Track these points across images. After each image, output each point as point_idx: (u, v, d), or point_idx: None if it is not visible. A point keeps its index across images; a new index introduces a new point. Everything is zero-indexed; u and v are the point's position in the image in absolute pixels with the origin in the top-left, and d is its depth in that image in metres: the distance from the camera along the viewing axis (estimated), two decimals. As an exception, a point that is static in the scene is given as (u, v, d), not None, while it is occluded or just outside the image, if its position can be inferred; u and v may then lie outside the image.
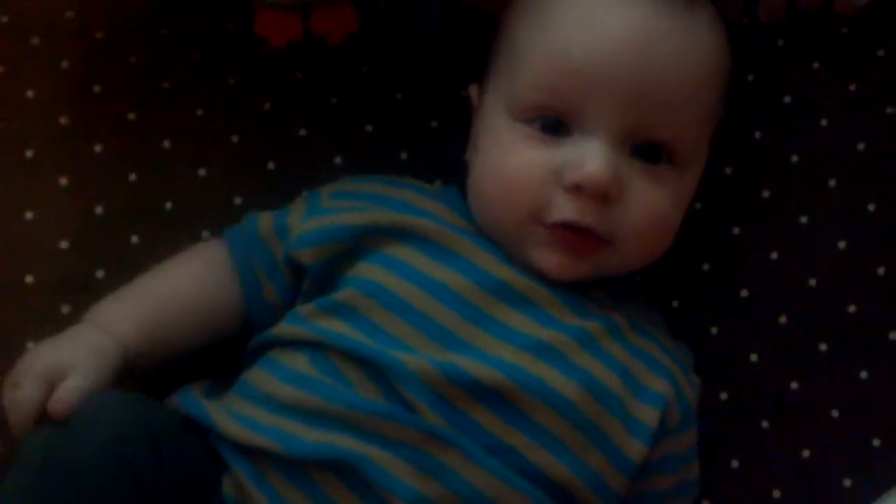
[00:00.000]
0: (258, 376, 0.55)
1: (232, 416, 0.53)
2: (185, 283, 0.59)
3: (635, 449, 0.53)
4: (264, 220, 0.60)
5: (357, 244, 0.56)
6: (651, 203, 0.54)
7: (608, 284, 0.57)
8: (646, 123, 0.54)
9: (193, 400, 0.55)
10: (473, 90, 0.61)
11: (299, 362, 0.53)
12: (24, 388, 0.52)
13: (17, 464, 0.50)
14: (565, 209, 0.53)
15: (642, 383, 0.54)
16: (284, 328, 0.55)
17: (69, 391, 0.51)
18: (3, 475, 0.51)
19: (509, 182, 0.55)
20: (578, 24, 0.54)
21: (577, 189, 0.53)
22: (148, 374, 0.58)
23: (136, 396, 0.54)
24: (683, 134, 0.55)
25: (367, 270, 0.55)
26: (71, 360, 0.53)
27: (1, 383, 0.61)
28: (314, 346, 0.53)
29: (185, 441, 0.53)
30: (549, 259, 0.54)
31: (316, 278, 0.56)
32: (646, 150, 0.54)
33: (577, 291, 0.55)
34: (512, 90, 0.56)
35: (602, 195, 0.53)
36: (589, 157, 0.53)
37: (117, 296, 0.59)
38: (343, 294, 0.54)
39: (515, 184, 0.55)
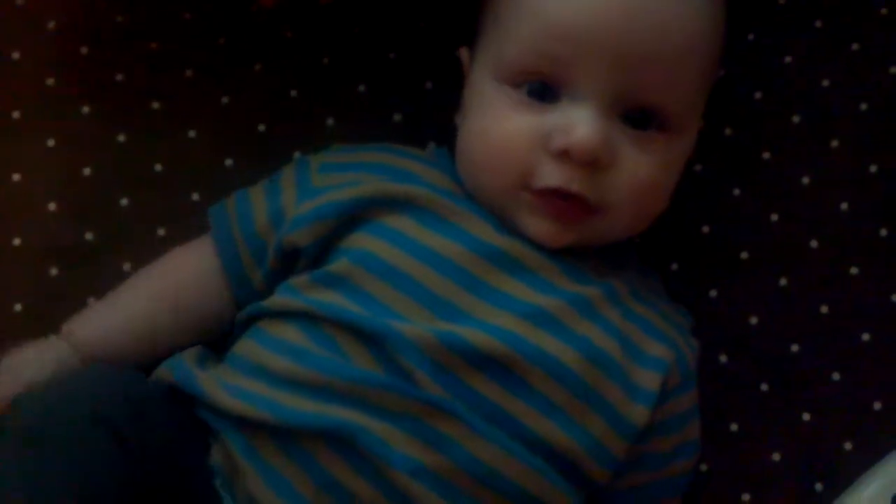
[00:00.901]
0: (249, 348, 0.54)
1: (223, 386, 0.52)
2: (163, 291, 0.58)
3: (637, 413, 0.52)
4: (258, 210, 0.58)
5: (351, 217, 0.55)
6: (641, 170, 0.53)
7: (605, 250, 0.56)
8: (636, 87, 0.53)
9: (185, 369, 0.54)
10: (464, 53, 0.60)
11: (292, 334, 0.52)
12: None
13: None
14: (552, 176, 0.52)
15: (641, 349, 0.54)
16: (276, 300, 0.54)
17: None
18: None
19: (495, 147, 0.54)
20: None
21: (564, 155, 0.52)
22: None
23: (121, 369, 0.54)
24: (674, 98, 0.54)
25: (359, 241, 0.54)
26: (31, 375, 0.54)
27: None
28: (307, 318, 0.52)
29: (171, 411, 0.52)
30: (538, 226, 0.54)
31: (311, 256, 0.55)
32: (636, 116, 0.53)
33: (574, 257, 0.54)
34: (499, 53, 0.55)
35: (591, 162, 0.52)
36: (577, 122, 0.52)
37: (92, 307, 0.59)
38: (336, 265, 0.53)
39: (502, 149, 0.54)
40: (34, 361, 0.55)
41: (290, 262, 0.56)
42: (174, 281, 0.59)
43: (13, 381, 0.54)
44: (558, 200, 0.53)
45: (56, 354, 0.56)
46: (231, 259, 0.58)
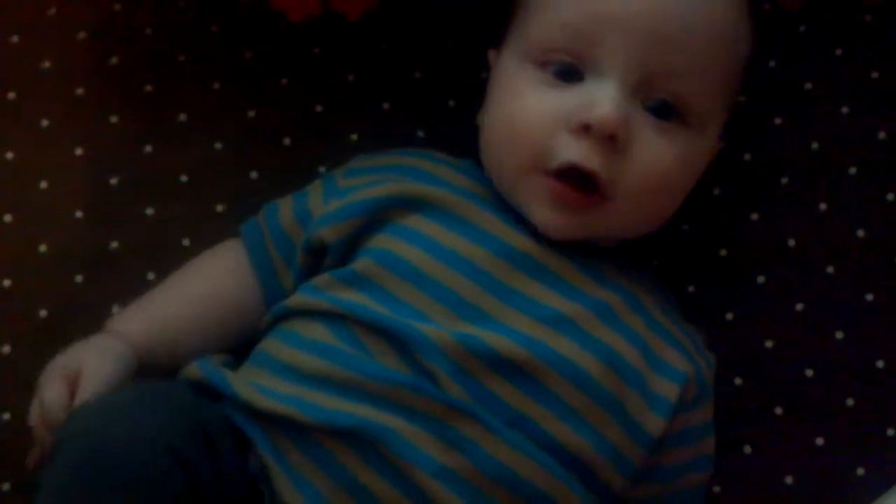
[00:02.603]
0: (275, 346, 0.54)
1: (250, 384, 0.52)
2: (203, 289, 0.59)
3: (654, 423, 0.52)
4: (285, 211, 0.59)
5: (376, 217, 0.55)
6: (656, 157, 0.53)
7: (622, 262, 0.57)
8: (660, 72, 0.53)
9: (212, 368, 0.54)
10: (493, 54, 0.60)
11: (318, 332, 0.53)
12: (46, 392, 0.53)
13: (54, 459, 0.48)
14: (570, 151, 0.52)
15: (661, 358, 0.54)
16: (299, 298, 0.55)
17: (84, 390, 0.52)
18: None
19: (518, 125, 0.54)
20: None
21: (584, 129, 0.52)
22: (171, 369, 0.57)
23: (183, 388, 0.53)
24: (696, 91, 0.54)
25: (383, 241, 0.55)
26: (91, 367, 0.54)
27: (17, 354, 0.61)
28: (332, 316, 0.53)
29: (234, 435, 0.51)
30: (544, 214, 0.54)
31: (337, 254, 0.56)
32: (658, 105, 0.54)
33: (596, 261, 0.55)
34: (528, 32, 0.55)
35: (609, 138, 0.52)
36: (600, 98, 0.52)
37: (134, 305, 0.59)
38: (359, 264, 0.54)
39: (523, 126, 0.54)
40: (101, 361, 0.54)
41: (318, 261, 0.56)
42: (209, 281, 0.59)
43: (93, 379, 0.53)
44: (568, 188, 0.53)
45: (117, 353, 0.55)
46: (260, 257, 0.59)
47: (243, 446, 0.52)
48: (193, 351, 0.57)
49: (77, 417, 0.49)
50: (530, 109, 0.54)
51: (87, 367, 0.54)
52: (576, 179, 0.53)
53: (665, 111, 0.54)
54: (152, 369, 0.57)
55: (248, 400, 0.52)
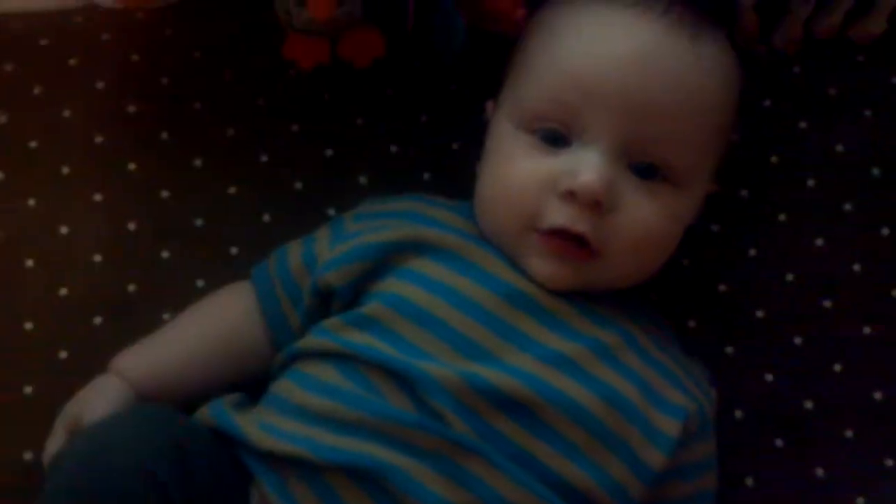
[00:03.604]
0: (287, 388, 0.56)
1: (262, 427, 0.54)
2: (209, 328, 0.61)
3: (655, 458, 0.54)
4: (293, 254, 0.61)
5: (381, 261, 0.57)
6: (643, 217, 0.55)
7: (619, 298, 0.58)
8: (644, 139, 0.55)
9: (223, 412, 0.56)
10: (490, 105, 0.63)
11: (329, 374, 0.54)
12: (52, 443, 0.57)
13: (47, 486, 0.51)
14: (558, 215, 0.55)
15: (661, 395, 0.55)
16: (311, 340, 0.56)
17: None
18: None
19: (507, 189, 0.57)
20: (585, 39, 0.56)
21: (570, 196, 0.55)
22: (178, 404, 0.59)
23: (165, 411, 0.56)
24: (680, 154, 0.56)
25: (390, 285, 0.56)
26: (89, 410, 0.57)
27: (38, 394, 0.63)
28: (342, 358, 0.55)
29: (214, 454, 0.54)
30: (542, 266, 0.56)
31: (343, 298, 0.57)
32: (642, 166, 0.56)
33: (592, 302, 0.57)
34: (519, 100, 0.58)
35: (595, 203, 0.54)
36: (584, 166, 0.55)
37: (140, 343, 0.61)
38: (368, 308, 0.56)
39: (514, 190, 0.56)
40: (95, 404, 0.57)
41: (325, 304, 0.58)
42: (218, 319, 0.62)
43: (72, 418, 0.57)
44: (561, 241, 0.55)
45: (115, 395, 0.58)
46: (269, 299, 0.61)
47: (244, 480, 0.54)
48: (199, 388, 0.59)
49: (62, 455, 0.52)
50: (520, 175, 0.56)
51: (88, 414, 0.57)
52: (567, 237, 0.55)
53: (649, 172, 0.56)
54: (175, 401, 0.59)
55: (258, 442, 0.53)
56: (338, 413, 0.53)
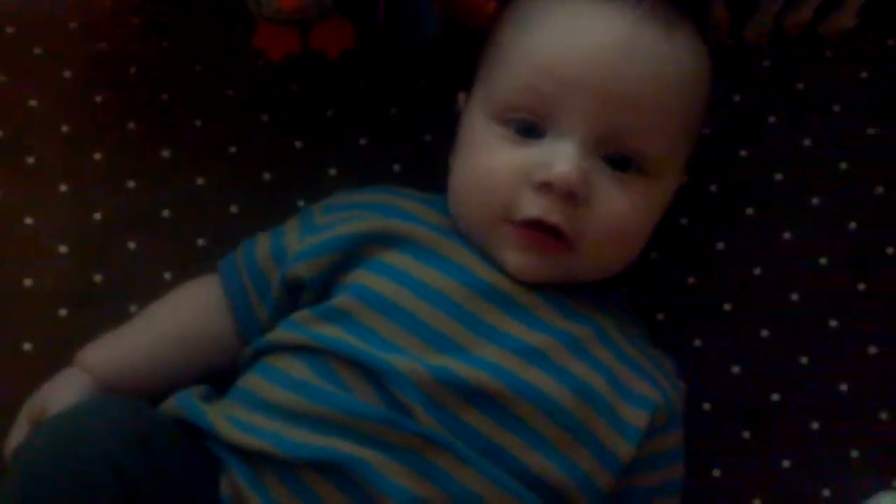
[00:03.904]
0: (255, 382, 0.56)
1: (230, 420, 0.54)
2: (175, 321, 0.61)
3: (623, 449, 0.54)
4: (261, 246, 0.61)
5: (351, 253, 0.57)
6: (617, 209, 0.55)
7: (592, 292, 0.58)
8: (617, 131, 0.55)
9: (192, 403, 0.56)
10: (462, 98, 0.62)
11: (297, 368, 0.54)
12: (14, 435, 0.57)
13: (8, 475, 0.50)
14: (533, 207, 0.55)
15: (630, 388, 0.56)
16: (280, 333, 0.56)
17: None
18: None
19: (481, 181, 0.56)
20: (558, 30, 0.56)
21: (545, 187, 0.54)
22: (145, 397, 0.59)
23: (130, 402, 0.55)
24: (654, 145, 0.56)
25: (359, 277, 0.56)
26: (54, 403, 0.56)
27: (2, 387, 0.62)
28: (311, 352, 0.54)
29: (180, 445, 0.54)
30: (517, 259, 0.56)
31: (313, 291, 0.57)
32: (616, 157, 0.56)
33: (564, 295, 0.57)
34: (491, 91, 0.58)
35: (569, 195, 0.54)
36: (558, 157, 0.54)
37: (106, 337, 0.61)
38: (337, 300, 0.55)
39: (487, 182, 0.56)
40: (60, 396, 0.57)
41: (294, 297, 0.58)
42: (183, 313, 0.61)
43: (37, 410, 0.56)
44: (535, 232, 0.55)
45: (80, 388, 0.58)
46: (236, 291, 0.60)
47: (212, 472, 0.53)
48: (166, 382, 0.58)
49: (26, 446, 0.51)
50: (494, 166, 0.56)
51: (53, 406, 0.56)
52: (541, 229, 0.55)
53: (623, 163, 0.56)
54: (140, 395, 0.59)
55: (226, 435, 0.53)
56: (304, 408, 0.53)
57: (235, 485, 0.53)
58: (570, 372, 0.54)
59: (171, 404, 0.56)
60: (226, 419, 0.54)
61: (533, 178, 0.55)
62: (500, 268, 0.56)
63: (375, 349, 0.53)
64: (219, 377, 0.60)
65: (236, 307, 0.60)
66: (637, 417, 0.55)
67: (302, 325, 0.56)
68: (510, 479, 0.52)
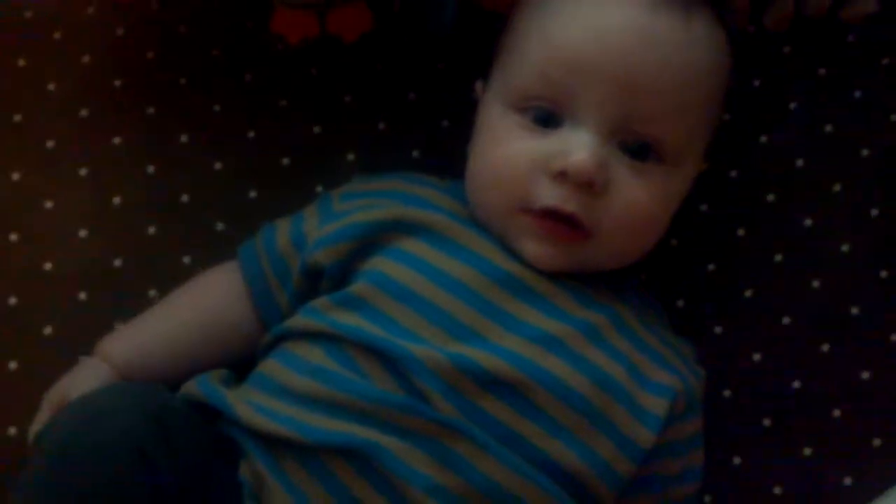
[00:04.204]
0: (274, 368, 0.56)
1: (250, 404, 0.54)
2: (195, 309, 0.61)
3: (644, 436, 0.54)
4: (281, 233, 0.61)
5: (369, 241, 0.57)
6: (635, 198, 0.55)
7: (609, 279, 0.58)
8: (635, 119, 0.55)
9: (212, 387, 0.56)
10: (479, 85, 0.62)
11: (315, 354, 0.54)
12: (37, 421, 0.57)
13: (33, 457, 0.51)
14: (550, 196, 0.54)
15: (649, 376, 0.55)
16: (299, 320, 0.56)
17: None
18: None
19: (498, 170, 0.56)
20: (576, 18, 0.56)
21: (562, 176, 0.54)
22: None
23: (150, 386, 0.56)
24: (672, 133, 0.56)
25: (378, 264, 0.56)
26: (72, 390, 0.56)
27: (20, 369, 0.63)
28: (329, 338, 0.54)
29: (197, 427, 0.54)
30: (534, 248, 0.55)
31: (332, 278, 0.57)
32: (634, 146, 0.55)
33: (581, 283, 0.56)
34: (509, 80, 0.57)
35: (586, 184, 0.54)
36: (576, 146, 0.54)
37: (126, 326, 0.61)
38: (355, 287, 0.55)
39: (504, 171, 0.56)
40: (81, 386, 0.57)
41: (314, 283, 0.58)
42: (203, 302, 0.61)
43: (58, 400, 0.56)
44: (552, 221, 0.55)
45: (100, 378, 0.58)
46: (256, 279, 0.60)
47: (230, 456, 0.53)
48: (186, 371, 0.58)
49: (49, 427, 0.52)
50: (511, 156, 0.56)
51: (73, 395, 0.56)
52: (559, 218, 0.55)
53: (642, 152, 0.55)
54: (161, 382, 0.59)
55: (247, 419, 0.53)
56: (323, 394, 0.52)
57: (255, 470, 0.53)
58: (588, 360, 0.54)
59: (192, 387, 0.56)
60: (246, 403, 0.54)
61: (550, 168, 0.54)
62: (518, 256, 0.56)
63: (394, 337, 0.53)
64: (239, 366, 0.60)
65: (256, 294, 0.60)
66: (656, 405, 0.54)
67: (320, 312, 0.55)
68: (530, 468, 0.51)
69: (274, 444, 0.52)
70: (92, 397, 0.53)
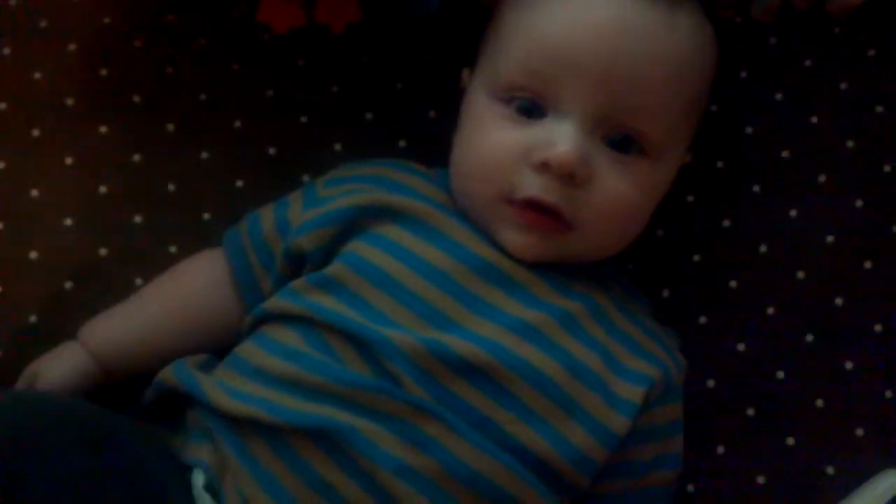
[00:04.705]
0: (249, 351, 0.56)
1: (222, 387, 0.54)
2: (178, 296, 0.61)
3: (618, 422, 0.54)
4: (266, 219, 0.61)
5: (349, 226, 0.57)
6: (617, 191, 0.55)
7: (591, 268, 0.58)
8: (619, 110, 0.55)
9: (186, 372, 0.56)
10: (466, 74, 0.62)
11: (289, 337, 0.54)
12: None
13: None
14: (532, 186, 0.55)
15: (624, 364, 0.55)
16: (276, 302, 0.56)
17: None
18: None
19: (483, 158, 0.56)
20: (562, 10, 0.56)
21: (544, 167, 0.54)
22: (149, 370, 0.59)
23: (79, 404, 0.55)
24: (656, 125, 0.56)
25: (355, 247, 0.56)
26: (43, 376, 0.58)
27: (6, 358, 0.63)
28: (304, 322, 0.54)
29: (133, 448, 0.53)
30: (515, 238, 0.56)
31: (315, 262, 0.57)
32: (617, 139, 0.55)
33: (560, 272, 0.57)
34: (493, 70, 0.57)
35: (568, 175, 0.54)
36: (559, 137, 0.54)
37: (109, 312, 0.61)
38: (332, 269, 0.55)
39: (488, 160, 0.56)
40: (55, 369, 0.57)
41: (297, 268, 0.58)
42: (186, 288, 0.61)
43: (28, 378, 0.57)
44: (535, 212, 0.55)
45: (74, 361, 0.58)
46: (241, 265, 0.60)
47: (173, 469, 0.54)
48: (167, 356, 0.58)
49: None
50: (494, 146, 0.56)
51: (42, 380, 0.58)
52: (540, 209, 0.55)
53: (625, 144, 0.56)
54: (130, 372, 0.60)
55: (216, 401, 0.53)
56: (296, 376, 0.53)
57: (220, 451, 0.53)
58: (562, 347, 0.54)
59: (168, 373, 0.57)
60: (218, 387, 0.54)
61: (532, 158, 0.55)
62: (497, 245, 0.56)
63: (368, 321, 0.53)
64: (222, 353, 0.59)
65: (240, 280, 0.60)
66: (631, 392, 0.55)
67: (297, 294, 0.56)
68: (502, 452, 0.52)
69: (244, 428, 0.52)
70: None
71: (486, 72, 0.58)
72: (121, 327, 0.60)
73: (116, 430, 0.53)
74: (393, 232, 0.56)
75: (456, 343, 0.52)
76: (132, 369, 0.60)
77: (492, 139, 0.56)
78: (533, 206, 0.55)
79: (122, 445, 0.52)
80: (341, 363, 0.53)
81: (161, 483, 0.52)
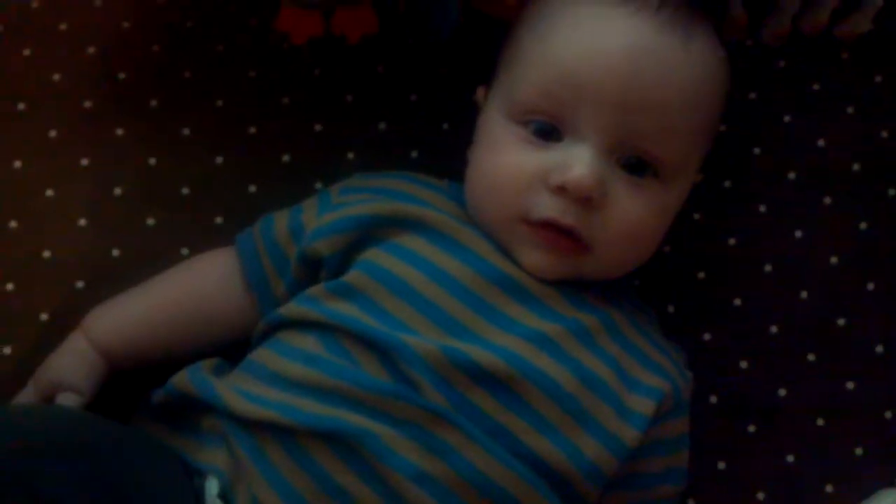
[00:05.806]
0: (266, 356, 0.56)
1: (238, 391, 0.54)
2: (177, 290, 0.61)
3: (630, 434, 0.54)
4: (280, 223, 0.61)
5: (366, 233, 0.58)
6: (632, 214, 0.56)
7: (604, 284, 0.59)
8: (634, 136, 0.56)
9: (201, 376, 0.56)
10: (481, 92, 0.63)
11: (308, 342, 0.55)
12: (20, 399, 0.58)
13: None
14: (548, 208, 0.55)
15: (636, 378, 0.56)
16: (293, 308, 0.57)
17: (66, 399, 0.57)
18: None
19: (498, 181, 0.57)
20: (578, 34, 0.57)
21: (561, 190, 0.55)
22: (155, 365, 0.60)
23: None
24: (669, 149, 0.57)
25: (374, 255, 0.57)
26: (66, 378, 0.58)
27: (15, 354, 0.63)
28: (322, 328, 0.55)
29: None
30: (533, 257, 0.56)
31: (332, 267, 0.58)
32: (632, 162, 0.56)
33: (575, 287, 0.57)
34: (511, 92, 0.58)
35: (584, 198, 0.55)
36: (575, 161, 0.55)
37: (115, 302, 0.62)
38: (351, 276, 0.56)
39: (504, 183, 0.57)
40: (72, 374, 0.58)
41: (313, 273, 0.59)
42: (200, 279, 0.62)
43: (49, 385, 0.57)
44: (552, 233, 0.56)
45: (81, 356, 0.59)
46: (252, 266, 0.61)
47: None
48: (172, 351, 0.59)
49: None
50: (511, 167, 0.57)
51: (68, 379, 0.58)
52: (556, 230, 0.56)
53: (639, 168, 0.56)
54: (133, 364, 0.60)
55: (232, 405, 0.54)
56: (314, 380, 0.53)
57: (235, 455, 0.53)
58: (578, 360, 0.55)
59: (183, 377, 0.57)
60: (234, 391, 0.54)
61: (549, 181, 0.55)
62: (513, 257, 0.57)
63: (388, 328, 0.54)
64: (229, 354, 0.60)
65: (253, 282, 0.61)
66: (643, 405, 0.55)
67: (315, 301, 0.56)
68: (516, 461, 0.52)
69: (259, 431, 0.53)
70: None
71: (502, 92, 0.59)
72: (127, 321, 0.60)
73: (104, 437, 0.53)
74: (410, 241, 0.57)
75: (474, 351, 0.53)
76: (136, 360, 0.60)
77: (509, 161, 0.57)
78: (550, 227, 0.56)
79: (107, 453, 0.52)
80: (359, 367, 0.53)
81: (152, 495, 0.52)
